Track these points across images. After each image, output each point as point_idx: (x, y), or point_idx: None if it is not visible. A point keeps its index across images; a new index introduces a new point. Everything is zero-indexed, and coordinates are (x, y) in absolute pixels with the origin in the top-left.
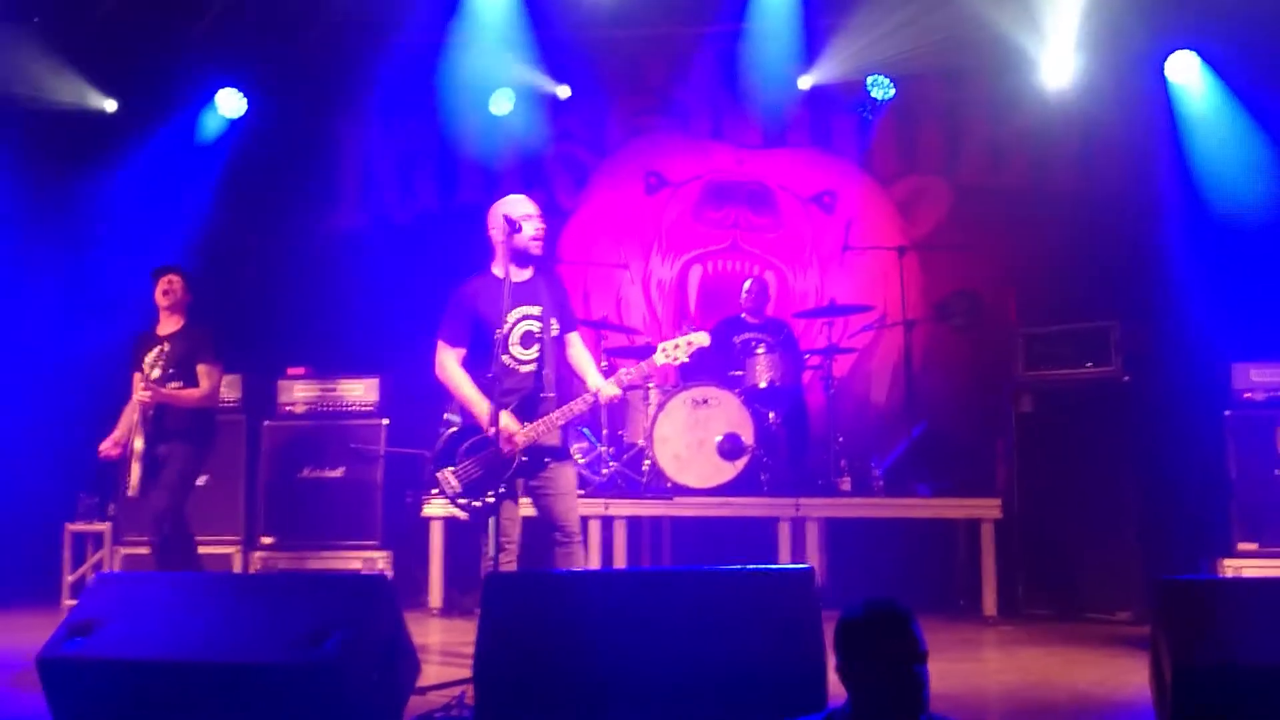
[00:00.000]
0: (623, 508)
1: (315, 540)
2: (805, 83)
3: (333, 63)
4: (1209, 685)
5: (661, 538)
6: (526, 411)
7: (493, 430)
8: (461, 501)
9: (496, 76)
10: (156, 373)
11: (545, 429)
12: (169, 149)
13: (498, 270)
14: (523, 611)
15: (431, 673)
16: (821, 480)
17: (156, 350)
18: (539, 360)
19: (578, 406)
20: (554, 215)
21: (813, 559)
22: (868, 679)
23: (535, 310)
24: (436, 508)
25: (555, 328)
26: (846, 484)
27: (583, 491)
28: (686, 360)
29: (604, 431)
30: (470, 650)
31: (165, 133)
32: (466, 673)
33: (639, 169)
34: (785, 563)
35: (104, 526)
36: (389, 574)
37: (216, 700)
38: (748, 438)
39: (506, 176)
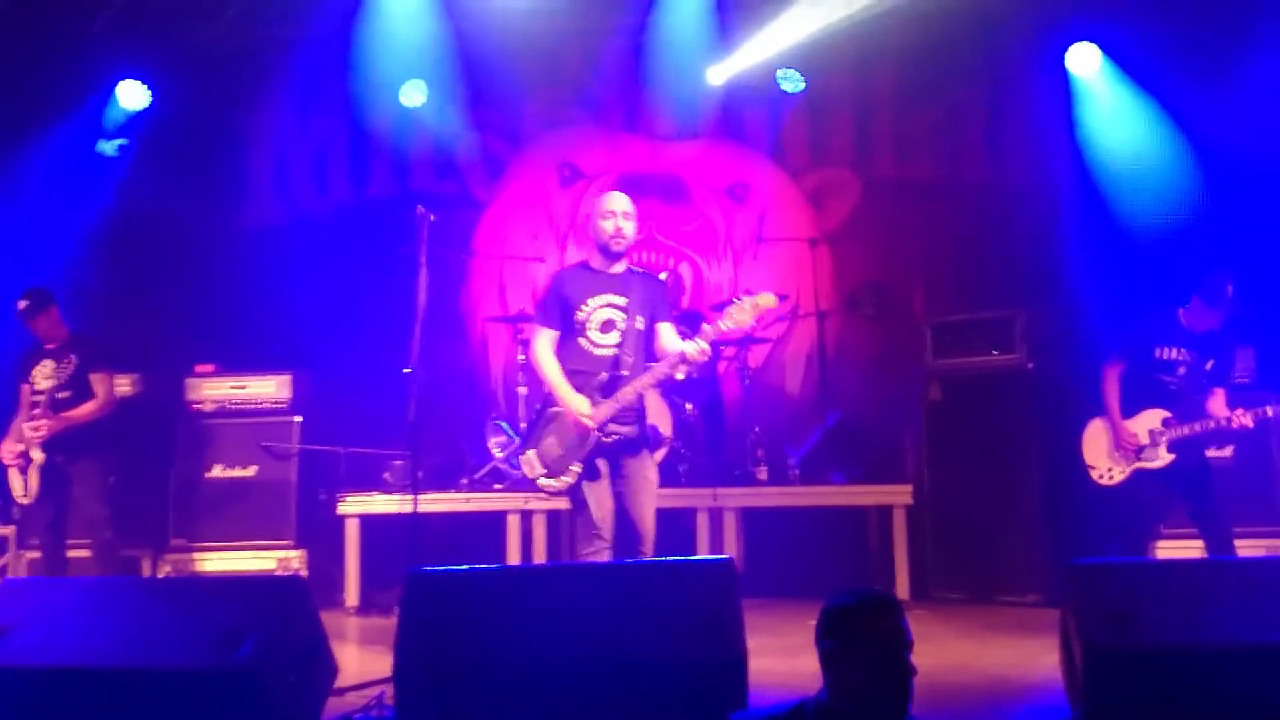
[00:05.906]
0: (542, 502)
1: (228, 541)
2: (717, 76)
3: (242, 53)
4: (1119, 667)
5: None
6: (606, 395)
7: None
8: (543, 482)
9: (408, 67)
10: (48, 384)
11: (622, 400)
12: (71, 143)
13: (593, 262)
14: (443, 609)
15: (350, 672)
16: (738, 470)
17: (46, 364)
18: (619, 347)
19: (659, 370)
20: (468, 207)
21: (730, 548)
22: (860, 664)
23: (620, 300)
24: (352, 505)
25: (640, 322)
26: (763, 473)
27: (500, 486)
28: (752, 324)
29: (521, 424)
30: (389, 649)
31: (67, 126)
32: (385, 672)
33: (553, 161)
34: (703, 553)
35: (8, 530)
36: (304, 573)
37: (131, 707)
38: (665, 429)
39: (420, 168)
